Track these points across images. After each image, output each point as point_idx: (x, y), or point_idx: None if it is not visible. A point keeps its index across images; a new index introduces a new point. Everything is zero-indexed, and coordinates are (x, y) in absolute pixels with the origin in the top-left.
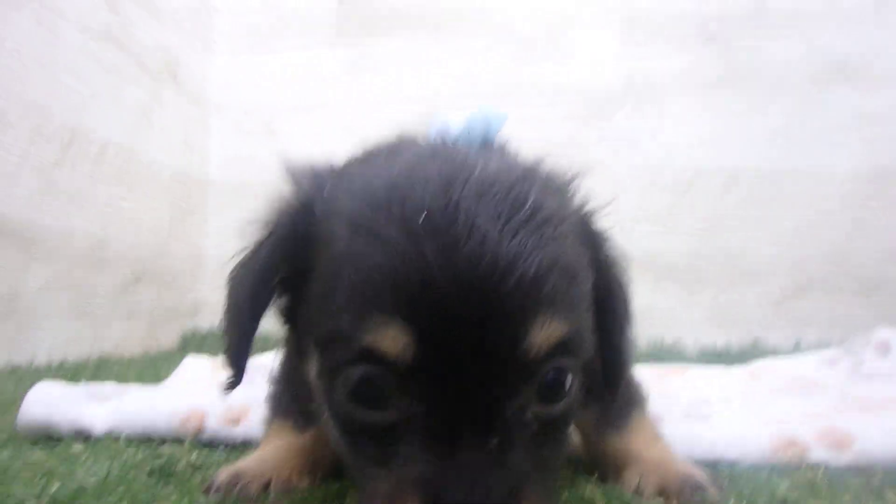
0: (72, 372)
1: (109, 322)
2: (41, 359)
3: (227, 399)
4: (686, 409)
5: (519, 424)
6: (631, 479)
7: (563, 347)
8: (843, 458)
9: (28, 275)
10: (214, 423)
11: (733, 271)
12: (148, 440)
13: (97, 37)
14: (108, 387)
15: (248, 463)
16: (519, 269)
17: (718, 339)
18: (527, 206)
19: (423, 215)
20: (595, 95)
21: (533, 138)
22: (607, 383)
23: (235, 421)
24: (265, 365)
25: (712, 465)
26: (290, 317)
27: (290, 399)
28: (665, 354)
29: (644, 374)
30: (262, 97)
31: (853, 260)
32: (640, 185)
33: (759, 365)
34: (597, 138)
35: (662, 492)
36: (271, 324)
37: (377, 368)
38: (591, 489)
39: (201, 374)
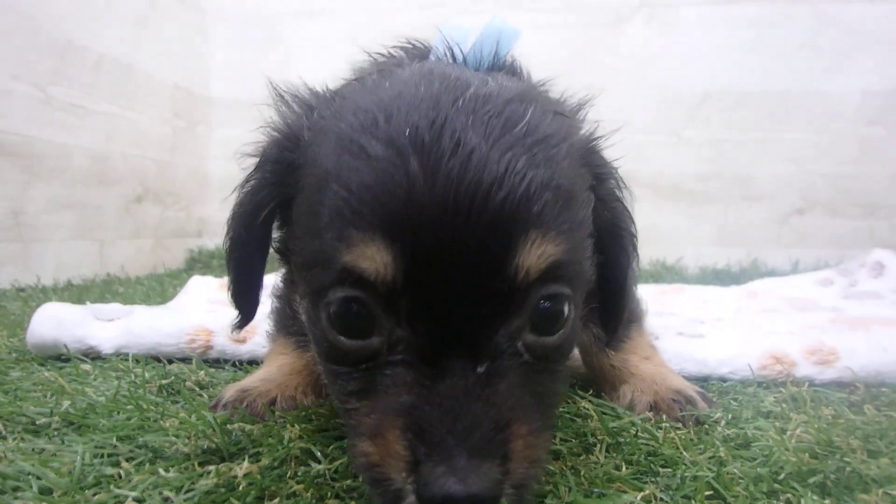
0: (78, 292)
1: (114, 241)
2: (47, 279)
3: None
4: (680, 328)
5: (509, 353)
6: (625, 394)
7: (558, 272)
8: (827, 374)
9: (30, 193)
10: (221, 342)
11: (738, 191)
12: (155, 360)
13: None
14: (115, 307)
15: (253, 381)
16: (508, 185)
17: (720, 258)
18: (520, 125)
19: (408, 130)
20: (607, 7)
21: (543, 50)
22: (607, 322)
23: (242, 340)
24: (270, 283)
25: (703, 381)
26: (283, 246)
27: (291, 317)
28: (666, 273)
29: (643, 292)
30: (263, 3)
31: (857, 182)
32: (649, 102)
33: (756, 284)
34: (607, 52)
35: (654, 406)
36: None
37: (358, 291)
38: (584, 404)
39: (207, 294)
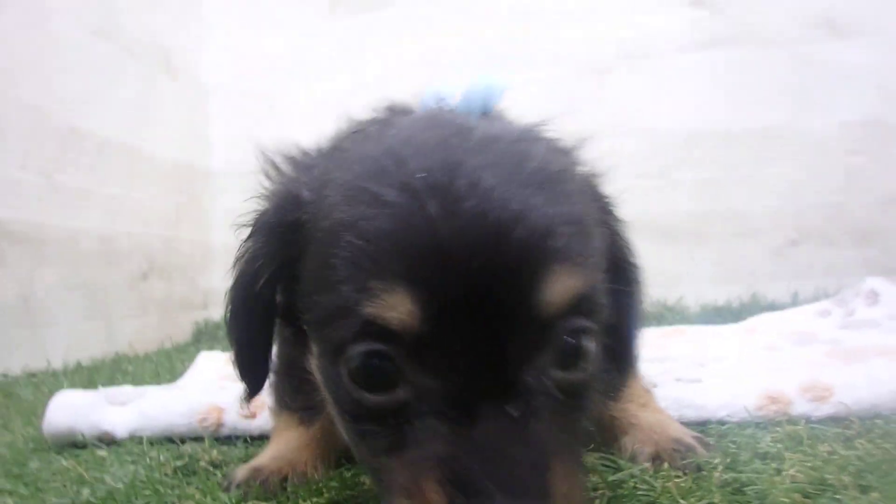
0: (88, 373)
1: (122, 319)
2: (57, 361)
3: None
4: (678, 373)
5: (539, 392)
6: (626, 446)
7: (580, 306)
8: (823, 410)
9: (38, 278)
10: (232, 419)
11: (731, 228)
12: (169, 440)
13: (89, 32)
14: (126, 389)
15: (263, 459)
16: (528, 221)
17: (719, 295)
18: (532, 162)
19: (422, 174)
20: (590, 60)
21: (530, 103)
22: (619, 356)
23: (252, 415)
24: None
25: (702, 425)
26: (288, 311)
27: (292, 392)
28: (668, 314)
29: (647, 335)
30: (259, 77)
31: (846, 211)
32: (638, 147)
33: (755, 320)
34: (594, 101)
35: (656, 457)
36: None
37: (382, 343)
38: (588, 457)
39: (216, 370)
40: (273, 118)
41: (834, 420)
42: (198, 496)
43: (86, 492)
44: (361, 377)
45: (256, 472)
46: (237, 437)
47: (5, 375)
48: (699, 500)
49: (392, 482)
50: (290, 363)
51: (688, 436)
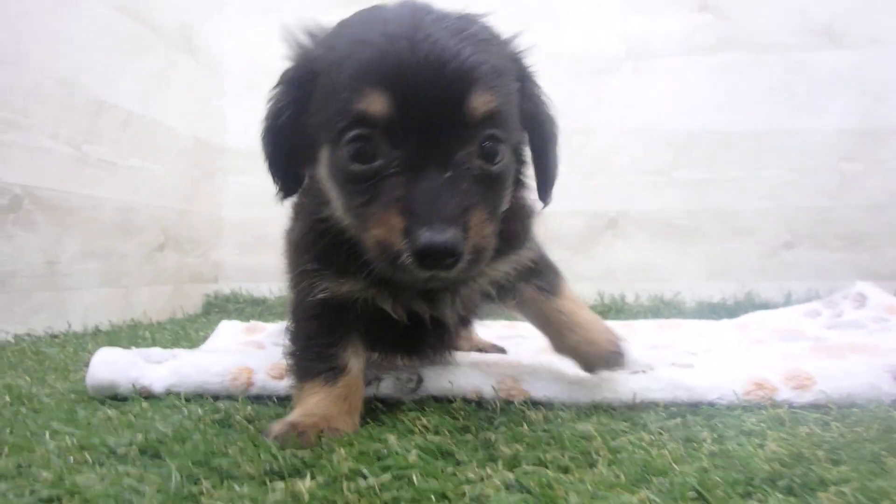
0: (107, 337)
1: (137, 288)
2: (77, 325)
3: (271, 358)
4: (672, 359)
5: (466, 168)
6: (576, 344)
7: (495, 120)
8: (804, 397)
9: (63, 245)
10: (261, 379)
11: (727, 227)
12: (202, 397)
13: (116, 9)
14: (159, 350)
15: (297, 416)
16: (462, 58)
17: (714, 292)
18: (471, 30)
19: (396, 28)
20: (593, 59)
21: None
22: (542, 189)
23: (280, 376)
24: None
25: (694, 406)
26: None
27: (314, 357)
28: (665, 308)
29: (643, 326)
30: (275, 57)
31: (838, 215)
32: (636, 145)
33: (747, 317)
34: (595, 101)
35: (600, 359)
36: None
37: (367, 128)
38: (589, 427)
39: (236, 338)
40: None
41: (814, 406)
42: (240, 444)
43: (139, 435)
44: (353, 153)
45: (292, 426)
46: (267, 397)
47: (29, 335)
48: (690, 466)
49: (369, 219)
50: (308, 337)
51: (618, 340)
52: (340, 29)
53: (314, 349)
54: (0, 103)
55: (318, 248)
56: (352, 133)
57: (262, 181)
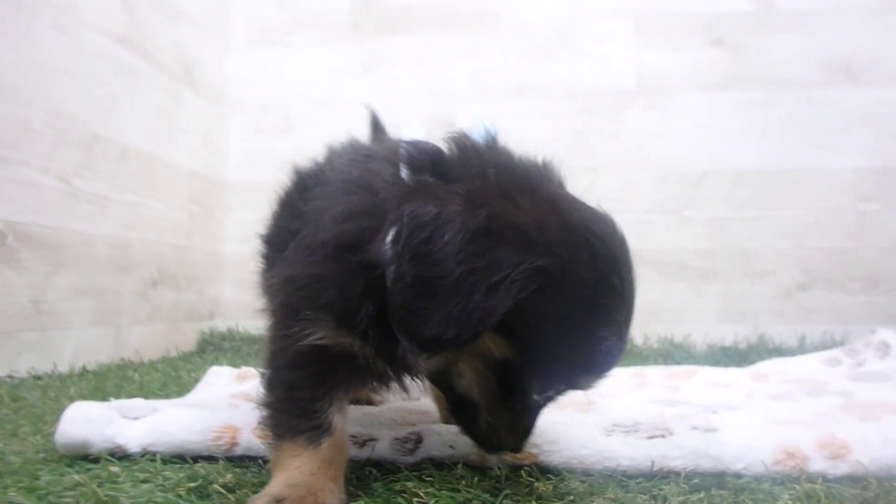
0: (95, 378)
1: (130, 326)
2: (63, 365)
3: (257, 415)
4: (693, 420)
5: None
6: None
7: None
8: (840, 469)
9: (52, 282)
10: (246, 438)
11: (740, 267)
12: (181, 459)
13: (115, 40)
14: (139, 403)
15: (280, 489)
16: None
17: (726, 334)
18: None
19: (622, 313)
20: (606, 94)
21: (549, 134)
22: None
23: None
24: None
25: (718, 477)
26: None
27: (296, 413)
28: (675, 351)
29: (654, 376)
30: (279, 94)
31: (856, 256)
32: (649, 183)
33: (764, 366)
34: (607, 136)
35: None
36: None
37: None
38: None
39: (226, 386)
40: (289, 134)
41: (851, 479)
42: None
43: None
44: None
45: (278, 501)
46: (251, 459)
47: (11, 377)
48: None
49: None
50: (290, 387)
51: None
52: (590, 273)
53: (297, 403)
54: None
55: (335, 294)
56: (560, 390)
57: (263, 217)
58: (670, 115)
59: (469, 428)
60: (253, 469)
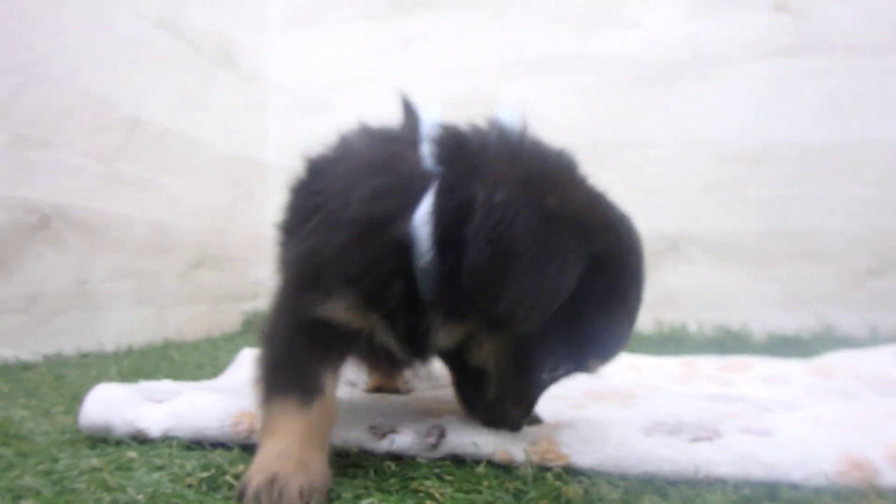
0: (137, 357)
1: (172, 307)
2: (109, 345)
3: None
4: (745, 422)
5: None
6: None
7: None
8: None
9: (94, 264)
10: None
11: (804, 251)
12: (199, 445)
13: (152, 24)
14: (164, 386)
15: (271, 461)
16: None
17: (788, 323)
18: None
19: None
20: (656, 65)
21: (590, 112)
22: None
23: None
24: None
25: (772, 487)
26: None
27: (289, 372)
28: (731, 340)
29: (705, 367)
30: (317, 74)
31: None
32: (704, 160)
33: (829, 359)
34: (657, 110)
35: None
36: None
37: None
38: None
39: None
40: (328, 114)
41: None
42: None
43: (107, 499)
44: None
45: (274, 477)
46: None
47: (59, 355)
48: None
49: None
50: (289, 348)
51: None
52: (623, 258)
53: (293, 363)
54: (28, 122)
55: (364, 269)
56: (568, 371)
57: None
58: (727, 86)
59: (473, 401)
60: None
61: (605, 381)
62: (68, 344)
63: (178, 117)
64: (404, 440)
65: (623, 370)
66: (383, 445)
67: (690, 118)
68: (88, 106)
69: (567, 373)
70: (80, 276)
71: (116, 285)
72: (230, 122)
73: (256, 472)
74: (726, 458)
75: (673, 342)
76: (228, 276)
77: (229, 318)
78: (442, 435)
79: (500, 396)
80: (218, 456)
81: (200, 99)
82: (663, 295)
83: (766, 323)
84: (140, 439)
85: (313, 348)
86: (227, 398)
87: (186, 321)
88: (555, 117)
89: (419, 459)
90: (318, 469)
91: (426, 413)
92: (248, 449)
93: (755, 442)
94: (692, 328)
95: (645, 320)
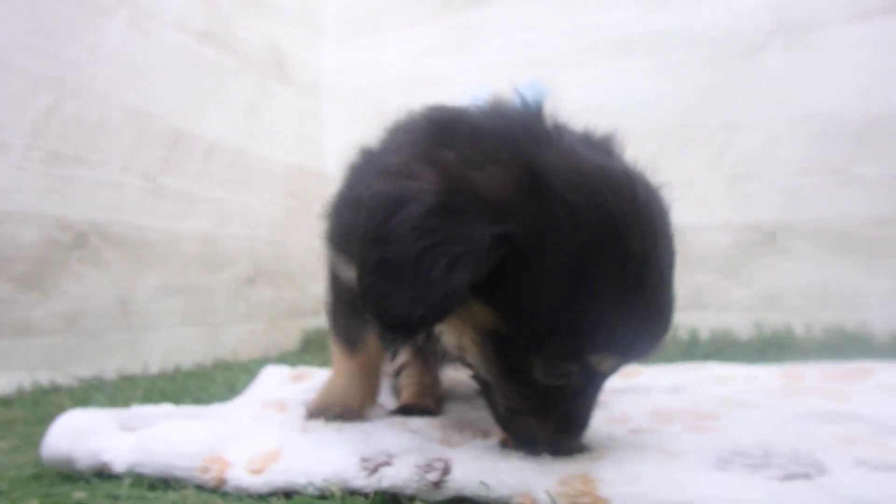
0: (184, 378)
1: (225, 325)
2: (154, 367)
3: (284, 427)
4: (861, 451)
5: None
6: None
7: None
8: None
9: (138, 282)
10: (236, 475)
11: None
12: (167, 483)
13: (196, 37)
14: (147, 410)
15: (323, 401)
16: (667, 323)
17: None
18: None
19: (649, 282)
20: (736, 37)
21: (668, 95)
22: None
23: (260, 469)
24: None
25: None
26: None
27: (341, 329)
28: (847, 343)
29: (811, 377)
30: (373, 80)
31: None
32: (801, 138)
33: None
34: (742, 87)
35: None
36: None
37: (580, 370)
38: None
39: (278, 386)
40: (386, 120)
41: None
42: None
43: None
44: (552, 373)
45: (323, 409)
46: (241, 495)
47: (97, 378)
48: None
49: (524, 408)
50: (335, 312)
51: None
52: (585, 227)
53: (339, 322)
54: (62, 138)
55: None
56: (565, 371)
57: None
58: (821, 53)
59: (496, 413)
60: (246, 500)
61: (681, 397)
62: (111, 366)
63: (226, 130)
64: (399, 475)
65: (707, 383)
66: (372, 483)
67: (781, 93)
68: (127, 121)
69: (570, 375)
70: (122, 294)
71: (163, 304)
72: (284, 134)
73: (316, 399)
74: (832, 502)
75: (775, 348)
76: (286, 291)
77: (288, 336)
78: (446, 471)
79: (514, 408)
80: (191, 496)
81: (251, 111)
82: (760, 294)
83: (889, 321)
84: (105, 474)
85: (352, 313)
86: (206, 432)
87: (241, 340)
88: (628, 104)
89: (417, 503)
90: (357, 403)
91: (438, 441)
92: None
93: (875, 480)
94: (799, 331)
95: (740, 323)
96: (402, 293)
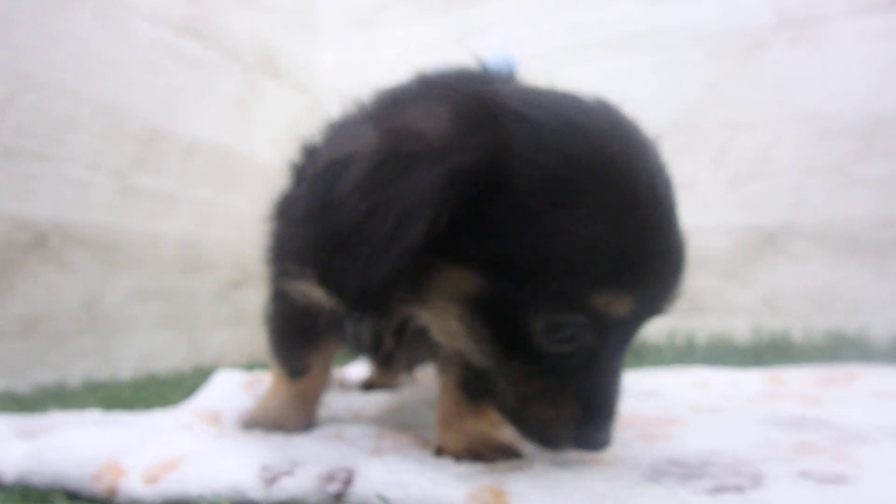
0: (156, 385)
1: (208, 330)
2: (125, 373)
3: (159, 451)
4: (808, 465)
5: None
6: None
7: None
8: None
9: (108, 284)
10: (129, 486)
11: None
12: (67, 495)
13: (174, 31)
14: (52, 419)
15: (259, 414)
16: (685, 250)
17: None
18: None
19: (641, 204)
20: (737, 33)
21: (670, 91)
22: None
23: (155, 478)
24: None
25: None
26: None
27: (283, 353)
28: (846, 348)
29: (796, 382)
30: (371, 77)
31: None
32: (804, 137)
33: None
34: (745, 83)
35: None
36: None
37: (589, 322)
38: None
39: (224, 394)
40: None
41: None
42: None
43: None
44: (555, 334)
45: (256, 425)
46: None
47: (59, 385)
48: None
49: (536, 393)
50: (285, 317)
51: None
52: (555, 140)
53: (283, 344)
54: (22, 133)
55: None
56: (571, 324)
57: None
58: (825, 48)
59: (504, 407)
60: None
61: (653, 402)
62: (76, 372)
63: (210, 128)
64: (299, 486)
65: (688, 388)
66: (272, 494)
67: (785, 90)
68: (96, 116)
69: (577, 330)
70: (89, 297)
71: (137, 307)
72: (274, 133)
73: (248, 414)
74: None
75: (772, 352)
76: None
77: None
78: (348, 482)
79: (523, 393)
80: None
81: (237, 109)
82: (762, 298)
83: (891, 325)
84: None
85: (297, 333)
86: (107, 440)
87: (225, 346)
88: (628, 101)
89: None
90: (292, 425)
91: (368, 450)
92: None
93: (813, 494)
94: (797, 335)
95: (739, 327)
96: (356, 263)
